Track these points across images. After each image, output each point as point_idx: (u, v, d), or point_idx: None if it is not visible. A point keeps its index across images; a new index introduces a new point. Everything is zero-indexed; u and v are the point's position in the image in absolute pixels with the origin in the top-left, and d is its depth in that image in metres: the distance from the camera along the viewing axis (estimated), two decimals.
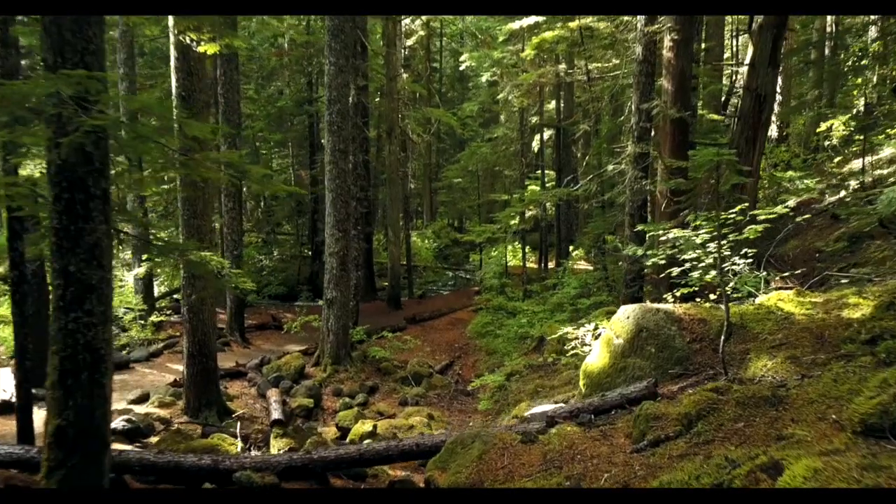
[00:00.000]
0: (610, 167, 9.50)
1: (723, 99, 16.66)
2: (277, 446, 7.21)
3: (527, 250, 23.53)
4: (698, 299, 6.60)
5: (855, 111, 16.41)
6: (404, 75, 30.92)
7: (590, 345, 6.52)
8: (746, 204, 5.39)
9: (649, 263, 6.34)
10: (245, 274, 20.28)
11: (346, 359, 11.79)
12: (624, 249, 10.01)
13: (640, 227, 6.38)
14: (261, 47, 22.16)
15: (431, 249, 32.32)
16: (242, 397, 10.25)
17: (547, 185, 28.51)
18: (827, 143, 17.43)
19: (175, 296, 17.52)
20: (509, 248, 26.01)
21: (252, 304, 16.85)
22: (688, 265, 5.70)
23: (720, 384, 4.68)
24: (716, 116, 15.85)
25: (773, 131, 17.70)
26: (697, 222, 5.43)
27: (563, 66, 20.10)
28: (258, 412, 9.73)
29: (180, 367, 11.30)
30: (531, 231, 27.04)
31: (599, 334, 6.54)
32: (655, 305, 5.88)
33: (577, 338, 6.80)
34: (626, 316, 5.95)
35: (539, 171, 28.00)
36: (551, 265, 26.36)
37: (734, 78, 18.00)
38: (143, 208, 16.20)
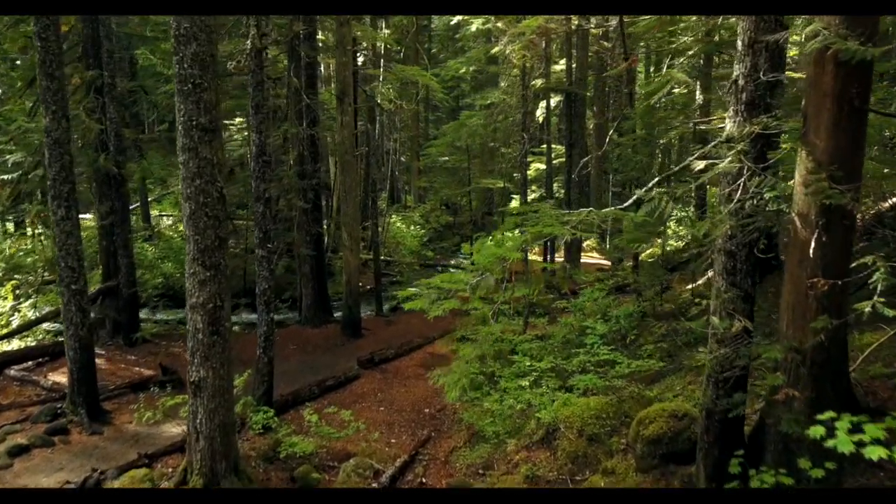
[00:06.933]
0: (699, 165, 4.66)
1: None
2: None
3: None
4: None
5: None
6: (385, 31, 25.67)
7: None
8: None
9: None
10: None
11: (230, 475, 7.07)
12: (719, 323, 5.18)
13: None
14: None
15: (418, 237, 27.33)
16: None
17: (553, 161, 23.67)
18: None
19: (45, 324, 12.75)
20: (507, 234, 21.11)
21: (147, 339, 12.01)
22: None
23: None
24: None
25: None
26: None
27: None
28: None
29: None
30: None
31: None
32: None
33: None
34: None
35: (544, 146, 23.22)
36: (559, 258, 21.96)
37: None
38: None
